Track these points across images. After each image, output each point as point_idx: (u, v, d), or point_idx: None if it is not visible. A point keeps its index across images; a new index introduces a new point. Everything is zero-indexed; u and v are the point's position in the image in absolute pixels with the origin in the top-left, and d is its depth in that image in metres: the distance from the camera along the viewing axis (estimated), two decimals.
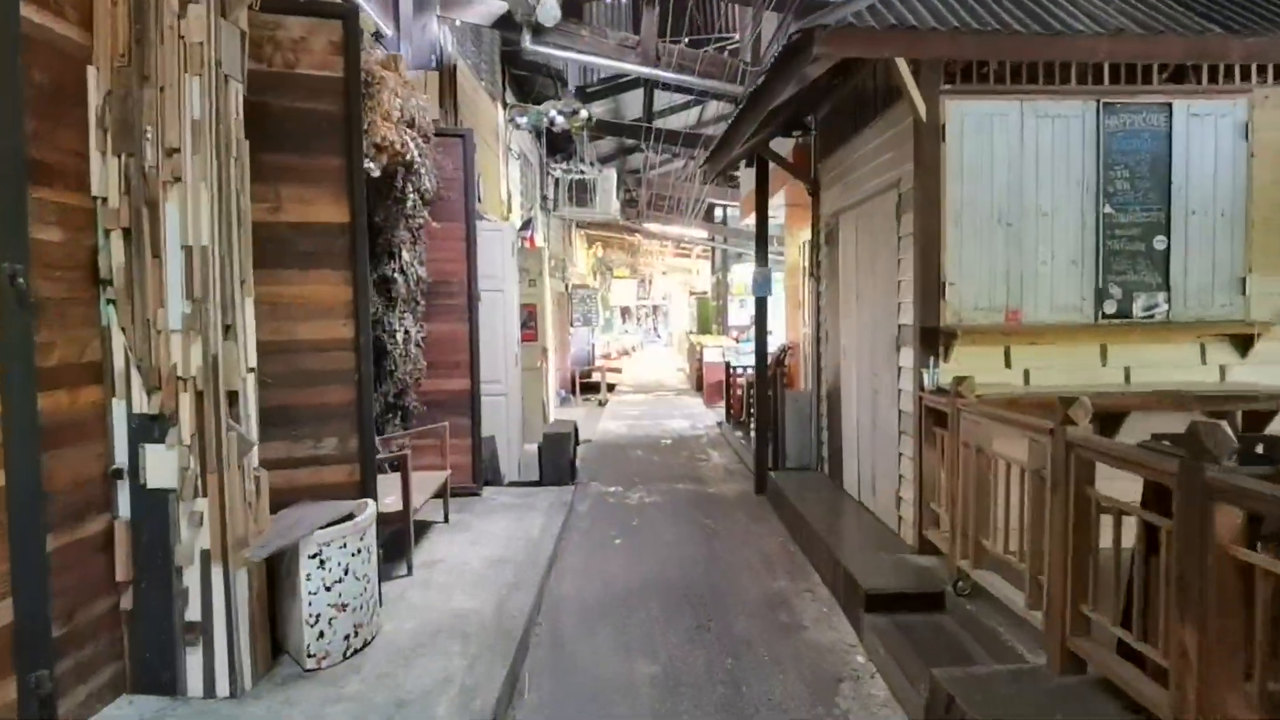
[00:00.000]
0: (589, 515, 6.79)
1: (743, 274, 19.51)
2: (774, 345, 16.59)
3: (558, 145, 13.10)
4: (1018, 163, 4.79)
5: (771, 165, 7.54)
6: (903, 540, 5.16)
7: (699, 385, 16.65)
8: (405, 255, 6.36)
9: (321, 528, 3.68)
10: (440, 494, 5.99)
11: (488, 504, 6.59)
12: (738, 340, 18.21)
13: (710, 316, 22.53)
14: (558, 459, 7.34)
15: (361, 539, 3.83)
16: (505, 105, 10.98)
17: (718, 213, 19.92)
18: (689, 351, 19.20)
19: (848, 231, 6.32)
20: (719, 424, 11.95)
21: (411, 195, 6.29)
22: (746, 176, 10.59)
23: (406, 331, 6.44)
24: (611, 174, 14.42)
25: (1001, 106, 4.78)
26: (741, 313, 19.32)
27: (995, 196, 4.79)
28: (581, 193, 14.28)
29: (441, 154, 6.52)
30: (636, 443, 10.54)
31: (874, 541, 5.20)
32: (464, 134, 6.84)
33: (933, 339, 4.76)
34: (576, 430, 8.04)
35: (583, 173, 12.20)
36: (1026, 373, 4.86)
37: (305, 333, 4.12)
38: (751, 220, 11.15)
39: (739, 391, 11.10)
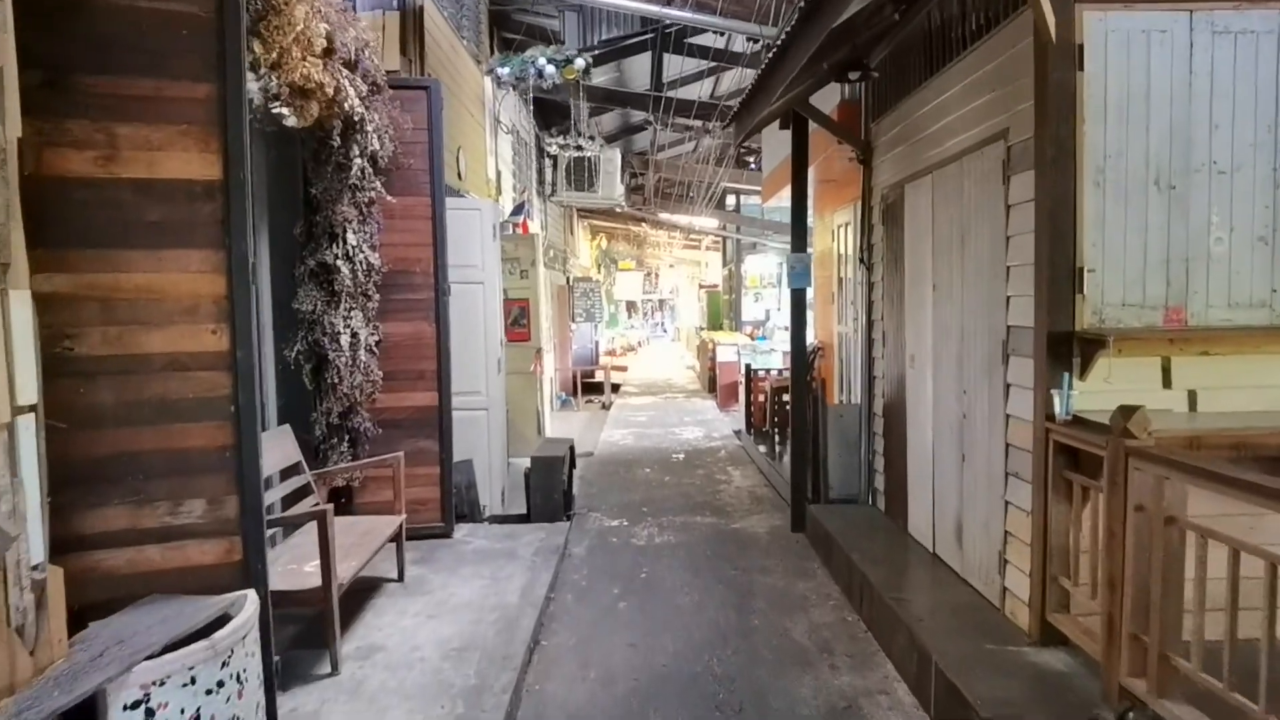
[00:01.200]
0: (586, 563, 5.43)
1: (757, 265, 18.13)
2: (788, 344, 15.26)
3: (552, 116, 11.70)
4: (1184, 99, 3.40)
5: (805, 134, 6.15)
6: (1010, 620, 3.79)
7: (711, 386, 15.27)
8: (351, 237, 5.01)
9: (156, 654, 2.34)
10: (395, 540, 4.65)
11: (458, 551, 5.24)
12: (752, 337, 16.84)
13: (721, 311, 21.15)
14: (549, 488, 5.98)
15: (226, 663, 2.48)
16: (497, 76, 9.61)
17: (729, 201, 18.51)
18: (700, 349, 17.83)
19: (917, 204, 4.93)
20: (737, 433, 10.58)
21: (357, 160, 4.94)
22: (770, 152, 9.20)
23: (354, 334, 5.10)
24: (615, 154, 13.03)
25: (1162, 18, 3.39)
26: (756, 307, 17.95)
27: (1152, 148, 3.41)
28: (582, 175, 12.89)
29: (399, 110, 5.16)
30: (644, 457, 9.18)
31: (970, 621, 3.83)
32: (428, 85, 5.47)
33: (1064, 348, 3.38)
34: (573, 450, 6.68)
35: (581, 148, 10.81)
36: (1192, 395, 3.48)
37: (157, 343, 2.77)
38: (776, 202, 9.79)
39: (761, 397, 9.73)
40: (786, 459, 7.61)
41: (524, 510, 6.19)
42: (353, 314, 5.08)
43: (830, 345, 8.87)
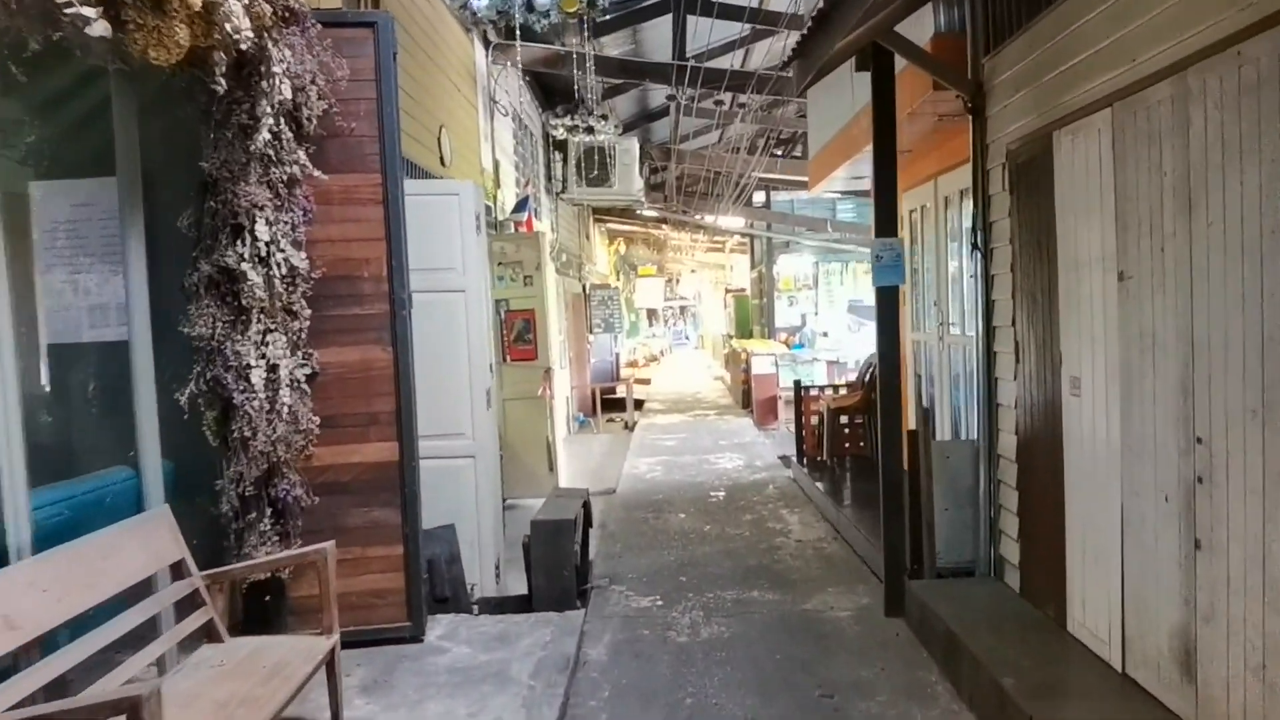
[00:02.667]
0: (607, 679, 3.88)
1: (791, 266, 16.55)
2: (831, 353, 13.58)
3: (557, 97, 10.21)
4: None
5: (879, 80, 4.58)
6: None
7: (746, 401, 13.70)
8: (263, 230, 3.53)
9: None
10: (329, 668, 3.15)
11: (428, 668, 3.72)
12: (788, 344, 15.26)
13: (751, 317, 19.57)
14: (556, 563, 4.45)
15: None
16: (487, 43, 8.16)
17: (757, 197, 16.95)
18: (730, 360, 16.27)
19: (1079, 157, 3.36)
20: (784, 461, 9.00)
21: (268, 120, 3.46)
22: (819, 124, 7.65)
23: (272, 366, 3.61)
24: (633, 143, 11.55)
25: None
26: (790, 312, 16.37)
27: None
28: (595, 168, 11.41)
29: (333, 55, 3.69)
30: (677, 495, 7.64)
31: None
32: (374, 20, 3.99)
33: None
34: (588, 507, 5.12)
35: (592, 130, 9.30)
36: None
37: None
38: (825, 189, 8.23)
39: (815, 420, 8.16)
40: (853, 499, 6.02)
41: (525, 589, 4.67)
42: (269, 338, 3.60)
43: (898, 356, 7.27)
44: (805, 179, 13.00)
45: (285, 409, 3.65)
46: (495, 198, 8.18)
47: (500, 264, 7.70)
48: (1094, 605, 3.36)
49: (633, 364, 23.40)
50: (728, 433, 11.28)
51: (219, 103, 3.44)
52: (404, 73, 5.46)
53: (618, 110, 10.50)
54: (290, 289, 3.66)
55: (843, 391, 8.29)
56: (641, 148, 12.01)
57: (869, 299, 17.51)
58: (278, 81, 3.37)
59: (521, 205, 8.54)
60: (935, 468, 4.44)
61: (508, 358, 7.72)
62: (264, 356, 3.58)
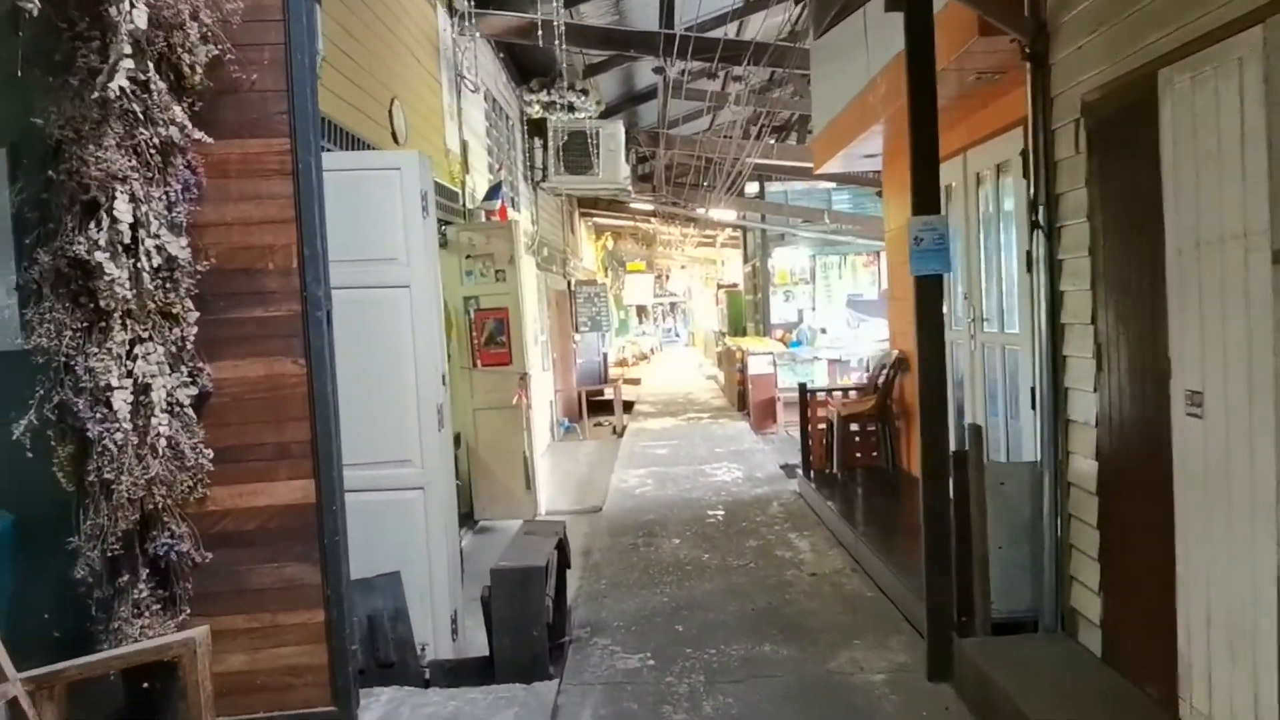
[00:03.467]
0: None
1: (786, 259, 15.74)
2: (832, 350, 12.77)
3: (534, 71, 9.35)
4: None
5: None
6: None
7: (742, 403, 12.88)
8: (124, 209, 2.67)
9: None
10: None
11: None
12: (785, 342, 14.46)
13: (744, 313, 18.76)
14: (523, 621, 3.60)
15: None
16: (452, 10, 7.28)
17: (750, 189, 16.11)
18: (724, 358, 15.46)
19: (1207, 103, 2.53)
20: (785, 471, 8.19)
21: (124, 61, 2.60)
22: (826, 94, 6.82)
23: (143, 385, 2.75)
24: (618, 127, 10.70)
25: None
26: (786, 308, 15.56)
27: None
28: (578, 154, 10.55)
29: None
30: (670, 515, 6.80)
31: None
32: None
33: None
34: (563, 547, 4.24)
35: (573, 108, 8.45)
36: None
37: None
38: (837, 167, 7.41)
39: (820, 426, 7.34)
40: (872, 521, 5.17)
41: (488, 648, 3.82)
42: (140, 350, 2.74)
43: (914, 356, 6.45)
44: (803, 164, 12.18)
45: (163, 441, 2.79)
46: (464, 183, 7.32)
47: (469, 257, 6.84)
48: (1227, 696, 2.55)
49: (622, 363, 22.56)
50: (723, 439, 10.45)
51: (60, 40, 2.60)
52: (341, 29, 4.60)
53: (601, 89, 9.63)
54: (168, 286, 2.80)
55: (853, 395, 7.48)
56: (628, 133, 11.16)
57: (869, 293, 16.82)
58: (128, 6, 2.51)
59: (494, 192, 7.68)
60: (990, 502, 3.62)
61: (478, 362, 6.86)
62: (131, 374, 2.72)
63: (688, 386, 17.76)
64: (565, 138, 10.48)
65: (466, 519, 6.91)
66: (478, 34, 7.37)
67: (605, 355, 17.03)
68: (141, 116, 2.66)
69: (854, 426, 7.03)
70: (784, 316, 15.46)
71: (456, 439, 6.90)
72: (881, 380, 6.99)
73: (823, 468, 7.21)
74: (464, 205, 7.26)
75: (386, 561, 3.78)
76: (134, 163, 2.68)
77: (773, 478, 7.98)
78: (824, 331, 15.04)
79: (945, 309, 6.05)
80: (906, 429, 6.84)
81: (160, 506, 2.83)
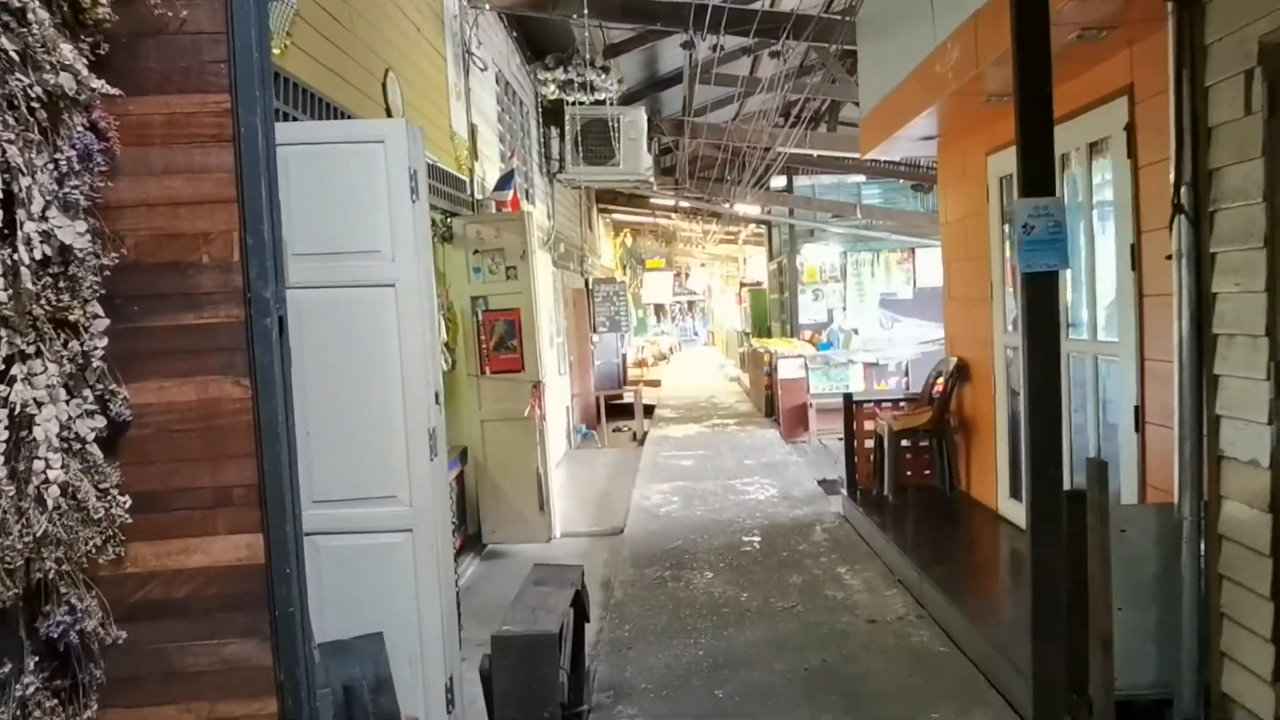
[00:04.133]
0: None
1: (816, 256, 14.97)
2: (869, 353, 11.99)
3: (550, 51, 8.66)
4: None
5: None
6: None
7: (769, 408, 12.16)
8: None
9: None
10: None
11: None
12: (814, 343, 13.71)
13: (769, 313, 18.01)
14: (531, 702, 2.91)
15: None
16: None
17: (776, 182, 15.34)
18: (749, 360, 14.73)
19: None
20: (824, 487, 7.47)
21: None
22: (873, 75, 6.08)
23: (22, 417, 2.08)
24: (639, 114, 10.00)
25: None
26: (815, 307, 14.80)
27: None
28: (597, 143, 9.87)
29: None
30: (700, 541, 6.10)
31: None
32: None
33: None
34: (581, 597, 3.54)
35: (591, 86, 7.77)
36: None
37: None
38: (884, 152, 6.65)
39: (867, 440, 6.60)
40: (936, 555, 4.40)
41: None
42: (19, 370, 2.07)
43: (981, 364, 5.74)
44: (841, 154, 11.45)
45: (54, 489, 2.12)
46: (472, 171, 6.65)
47: (476, 252, 6.18)
48: None
49: (641, 364, 21.89)
50: (753, 449, 9.73)
51: None
52: None
53: (622, 70, 8.94)
54: (60, 285, 2.12)
55: (904, 407, 6.73)
56: (650, 121, 10.45)
57: (903, 291, 16.02)
58: None
59: (506, 181, 7.01)
60: (1115, 553, 2.89)
61: (487, 369, 6.20)
62: (6, 403, 2.06)
63: (710, 389, 17.05)
64: (583, 125, 9.81)
65: (474, 542, 6.25)
66: (486, 6, 6.68)
67: (624, 356, 16.36)
68: (16, 57, 1.99)
69: (905, 442, 6.29)
70: (813, 316, 14.70)
71: (463, 454, 6.25)
72: (938, 390, 6.25)
73: (869, 487, 6.48)
74: (472, 195, 6.60)
75: (367, 618, 3.11)
76: (7, 118, 2.02)
77: (811, 496, 7.25)
78: (855, 332, 14.27)
79: (1002, 309, 5.33)
80: (966, 446, 6.11)
81: (54, 574, 2.16)
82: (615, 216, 22.54)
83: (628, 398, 13.06)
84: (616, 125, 9.85)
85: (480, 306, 6.18)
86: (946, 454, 6.15)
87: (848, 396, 6.61)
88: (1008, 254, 5.37)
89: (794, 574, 5.20)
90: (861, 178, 17.00)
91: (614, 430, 13.01)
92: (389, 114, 4.74)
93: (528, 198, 9.36)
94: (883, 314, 14.62)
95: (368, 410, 3.11)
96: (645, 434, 11.43)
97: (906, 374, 11.23)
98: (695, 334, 40.15)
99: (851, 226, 14.64)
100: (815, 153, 11.01)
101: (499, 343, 6.18)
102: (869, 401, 6.81)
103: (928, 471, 6.34)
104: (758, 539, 6.04)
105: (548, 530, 6.23)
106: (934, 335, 13.79)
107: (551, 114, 10.24)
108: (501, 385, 6.19)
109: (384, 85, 4.71)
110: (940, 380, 6.34)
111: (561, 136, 10.00)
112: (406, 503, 3.20)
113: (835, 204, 15.04)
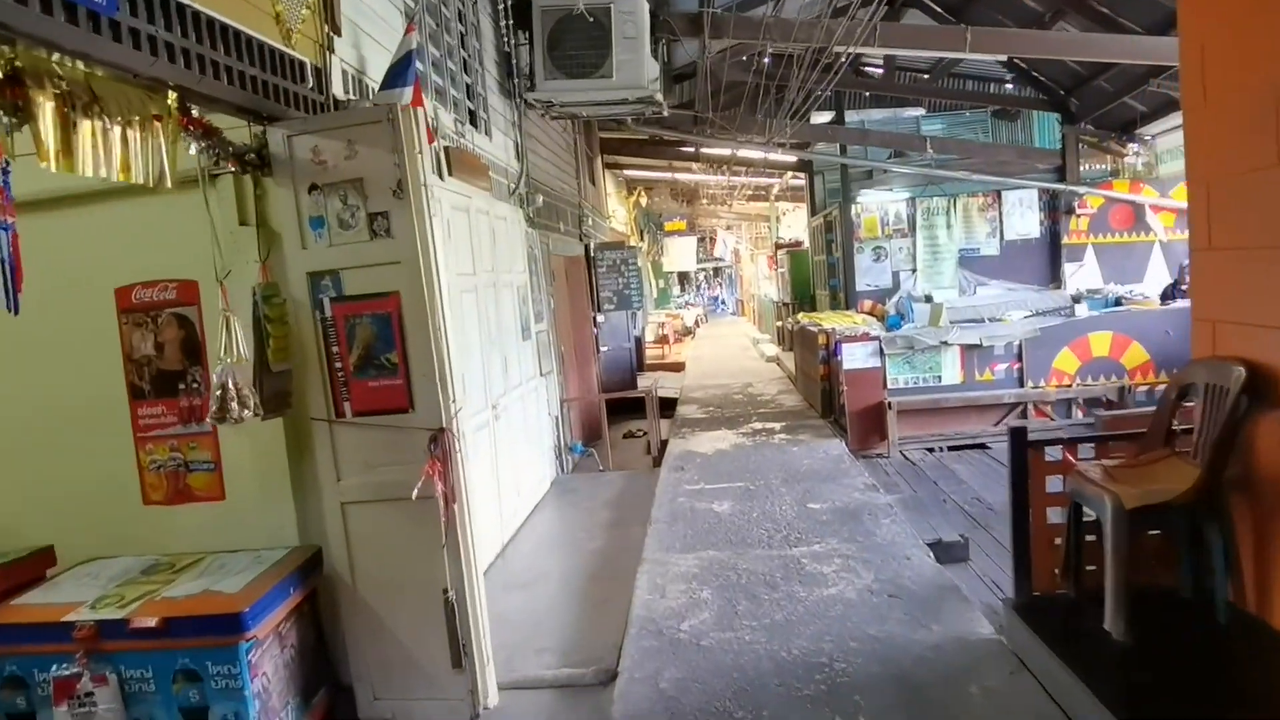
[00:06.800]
0: None
1: (877, 204, 11.86)
2: (975, 332, 8.55)
3: None
4: None
5: None
6: None
7: (828, 406, 9.21)
8: None
9: None
10: None
11: None
12: (878, 315, 10.70)
13: (813, 279, 14.96)
14: None
15: None
16: None
17: (819, 118, 12.23)
18: (797, 340, 11.75)
19: None
20: (940, 553, 4.59)
21: None
22: None
23: None
24: (639, 3, 7.00)
25: None
26: (876, 269, 11.73)
27: None
28: (580, 45, 6.91)
29: None
30: (765, 678, 3.23)
31: None
32: None
33: None
34: None
35: None
36: None
37: None
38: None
39: (1046, 512, 3.65)
40: None
41: None
42: None
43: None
44: (939, 54, 8.37)
45: None
46: (324, 49, 3.74)
47: (315, 189, 3.29)
48: None
49: (661, 342, 18.98)
50: (815, 475, 6.80)
51: None
52: None
53: None
54: None
55: (1114, 451, 3.73)
56: (654, 18, 7.43)
57: (986, 247, 12.92)
58: None
59: (401, 70, 4.05)
60: None
61: (346, 407, 3.35)
62: None
63: (744, 372, 14.10)
64: (559, 21, 6.86)
65: (344, 707, 3.44)
66: None
67: (638, 340, 13.49)
68: None
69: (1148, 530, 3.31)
70: (874, 281, 11.65)
71: (312, 560, 3.44)
72: (1205, 426, 3.25)
73: (1054, 590, 3.55)
74: (326, 94, 3.70)
75: None
76: None
77: (932, 589, 4.32)
78: (928, 300, 11.24)
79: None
80: (1257, 530, 3.15)
81: None
82: (628, 174, 19.51)
83: (644, 384, 10.21)
84: (607, 19, 6.87)
85: (325, 292, 3.31)
86: (1220, 545, 3.18)
87: (1019, 434, 3.60)
88: None
89: None
90: (920, 110, 13.86)
91: (625, 436, 10.17)
92: None
93: (482, 129, 6.43)
94: (962, 276, 11.54)
95: None
96: (663, 445, 8.56)
97: (1020, 359, 8.20)
98: (723, 304, 37.10)
99: (919, 165, 11.52)
100: (891, 52, 7.93)
101: (365, 358, 3.31)
102: (1054, 441, 3.81)
103: (1175, 571, 3.40)
104: (879, 707, 3.14)
105: (472, 700, 3.40)
106: (1026, 300, 10.75)
107: (519, 12, 7.30)
108: (373, 436, 3.33)
109: None
110: (1192, 404, 3.36)
111: (530, 41, 7.05)
112: None
113: (899, 137, 11.93)
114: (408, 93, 4.02)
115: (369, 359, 3.28)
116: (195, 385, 3.68)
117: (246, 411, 3.04)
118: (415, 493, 3.15)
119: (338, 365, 3.31)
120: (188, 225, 3.27)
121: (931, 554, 4.76)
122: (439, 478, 3.21)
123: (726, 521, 5.71)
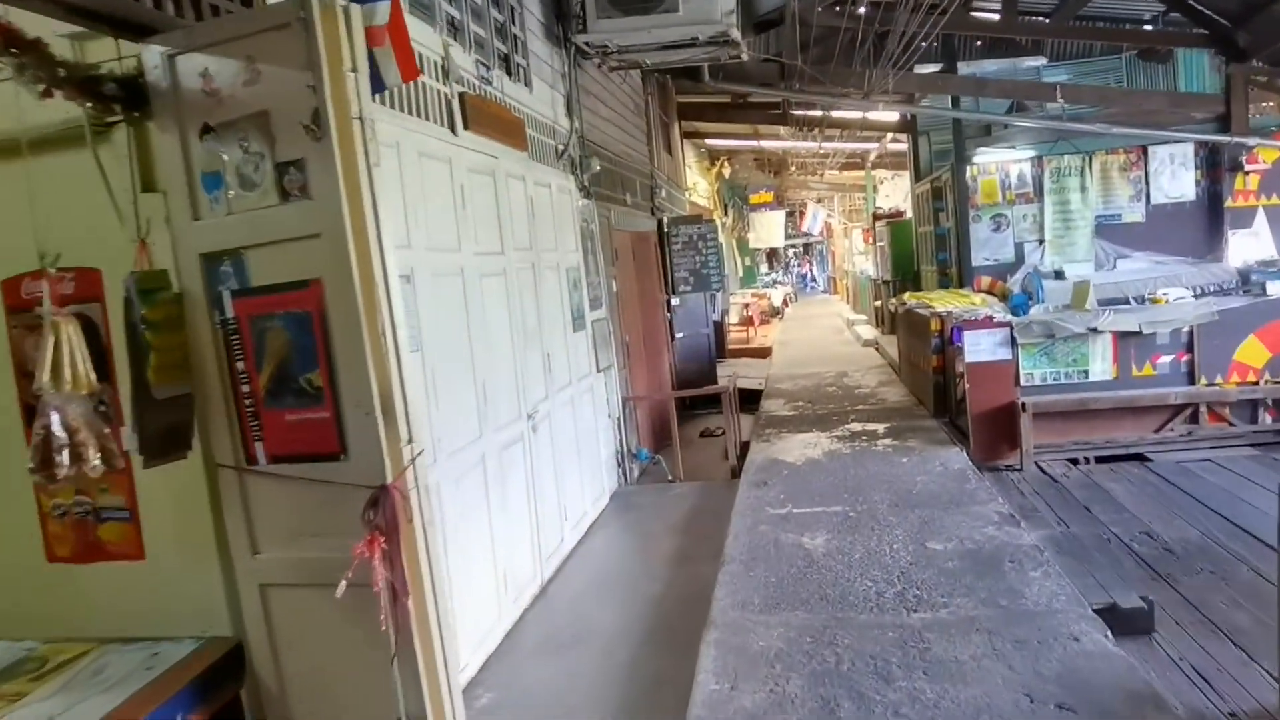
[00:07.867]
0: None
1: (998, 164, 10.20)
2: (1132, 317, 6.34)
3: None
4: None
5: None
6: None
7: (939, 401, 7.79)
8: None
9: None
10: None
11: None
12: (999, 294, 9.12)
13: (918, 253, 13.35)
14: None
15: None
16: None
17: (924, 70, 10.64)
18: (901, 325, 10.30)
19: None
20: (1119, 626, 3.25)
21: None
22: None
23: None
24: None
25: None
26: (996, 240, 10.09)
27: None
28: None
29: None
30: None
31: None
32: None
33: None
34: None
35: None
36: None
37: None
38: None
39: None
40: None
41: None
42: None
43: None
44: None
45: None
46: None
47: (209, 133, 2.22)
48: None
49: (746, 324, 17.66)
50: (932, 499, 5.47)
51: None
52: None
53: None
54: None
55: None
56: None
57: (1129, 213, 11.08)
58: None
59: None
60: None
61: (258, 450, 2.29)
62: None
63: (838, 359, 12.68)
64: None
65: None
66: None
67: (717, 325, 12.26)
68: None
69: None
70: (993, 254, 10.03)
71: (235, 653, 2.43)
72: None
73: None
74: None
75: None
76: None
77: (1113, 690, 3.02)
78: (1059, 276, 9.60)
79: None
80: None
81: None
82: (708, 142, 18.15)
83: (724, 376, 9.01)
84: None
85: (225, 282, 2.26)
86: None
87: None
88: None
89: None
90: (1040, 59, 12.00)
91: (701, 435, 9.02)
92: None
93: (522, 80, 5.32)
94: (1100, 246, 9.79)
95: None
96: (744, 449, 7.34)
97: (1190, 349, 6.59)
98: (813, 282, 35.28)
99: (1049, 119, 9.80)
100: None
101: (278, 378, 2.25)
102: None
103: None
104: None
105: None
106: (1179, 274, 8.98)
107: None
108: (297, 492, 2.27)
109: None
110: None
111: None
112: None
113: (1022, 86, 10.23)
114: (382, 9, 2.94)
115: (284, 380, 2.22)
116: (103, 408, 2.73)
117: (88, 465, 2.02)
118: (341, 585, 2.08)
119: (245, 389, 2.27)
120: (86, 194, 2.30)
121: (1108, 639, 3.42)
122: (380, 560, 2.13)
123: (821, 564, 4.48)
